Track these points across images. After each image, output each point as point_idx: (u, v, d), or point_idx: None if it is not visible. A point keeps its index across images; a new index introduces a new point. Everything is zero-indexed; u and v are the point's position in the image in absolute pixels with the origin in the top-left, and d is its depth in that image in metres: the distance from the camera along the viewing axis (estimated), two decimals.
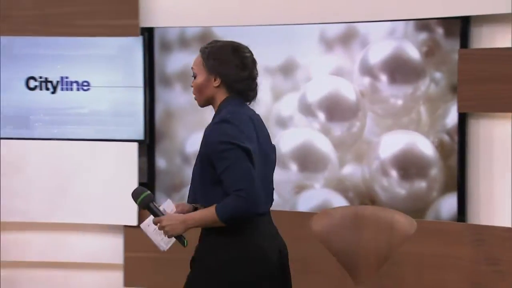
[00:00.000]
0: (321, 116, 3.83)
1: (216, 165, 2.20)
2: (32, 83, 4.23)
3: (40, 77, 4.23)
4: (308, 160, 3.89)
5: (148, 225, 2.34)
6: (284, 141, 3.91)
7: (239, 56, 2.33)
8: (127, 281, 4.13)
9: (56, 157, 4.15)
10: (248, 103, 2.36)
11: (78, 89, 4.20)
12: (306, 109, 3.86)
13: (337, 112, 3.81)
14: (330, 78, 3.83)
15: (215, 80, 2.31)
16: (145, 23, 4.03)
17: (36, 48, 4.23)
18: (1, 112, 4.15)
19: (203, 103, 2.37)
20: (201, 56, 2.34)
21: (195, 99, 2.38)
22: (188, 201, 2.36)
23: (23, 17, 4.08)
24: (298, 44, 3.89)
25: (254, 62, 2.35)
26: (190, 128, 4.06)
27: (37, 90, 4.23)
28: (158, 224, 2.27)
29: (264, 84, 3.91)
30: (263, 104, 3.91)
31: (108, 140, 4.14)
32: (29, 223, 4.17)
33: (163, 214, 2.30)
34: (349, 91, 3.78)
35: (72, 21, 4.04)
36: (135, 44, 4.09)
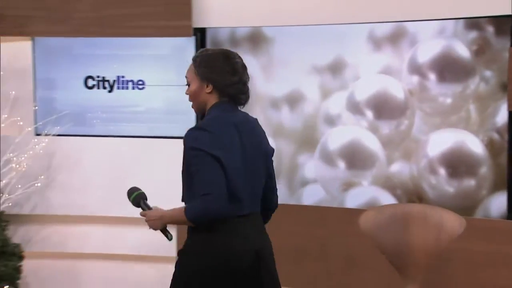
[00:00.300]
0: (369, 114, 3.80)
1: (188, 169, 2.29)
2: (90, 82, 4.33)
3: (98, 76, 4.32)
4: (356, 157, 3.86)
5: None
6: (332, 139, 3.90)
7: (229, 63, 2.36)
8: None
9: (113, 154, 4.23)
10: (241, 107, 2.41)
11: (133, 88, 4.28)
12: (354, 108, 3.83)
13: (385, 110, 3.77)
14: (379, 77, 3.79)
15: (207, 86, 2.36)
16: (198, 23, 4.07)
17: (94, 48, 4.34)
18: (61, 110, 4.24)
19: (198, 109, 2.43)
20: (193, 64, 2.40)
21: (192, 106, 2.43)
22: (182, 200, 2.42)
23: (81, 19, 4.16)
24: (347, 43, 3.87)
25: (244, 67, 2.39)
26: None
27: (95, 89, 4.32)
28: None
29: (313, 83, 3.92)
30: (311, 102, 3.93)
31: (161, 137, 4.19)
32: (87, 217, 4.26)
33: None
34: (397, 89, 3.73)
35: (128, 23, 4.10)
36: (188, 44, 4.13)
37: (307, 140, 3.97)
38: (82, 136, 4.28)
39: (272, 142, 3.98)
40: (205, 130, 2.29)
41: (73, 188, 4.23)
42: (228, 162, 2.26)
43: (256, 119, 2.48)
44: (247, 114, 2.45)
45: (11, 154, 4.00)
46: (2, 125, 3.98)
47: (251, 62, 4.06)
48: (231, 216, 2.30)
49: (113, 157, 4.21)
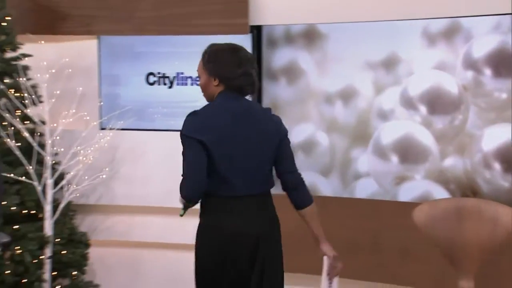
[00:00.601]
0: (423, 109, 3.76)
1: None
2: (151, 79, 4.42)
3: (159, 73, 4.41)
4: (409, 152, 3.83)
5: None
6: (385, 133, 3.88)
7: (235, 56, 2.51)
8: None
9: (172, 147, 4.26)
10: (249, 96, 2.56)
11: (192, 84, 4.34)
12: (408, 103, 3.80)
13: (439, 105, 3.73)
14: (432, 72, 3.74)
15: (214, 80, 2.51)
16: (254, 21, 4.10)
17: (155, 46, 4.42)
18: (124, 106, 4.34)
19: (208, 100, 2.58)
20: (202, 60, 2.57)
21: (203, 95, 2.60)
22: None
23: (143, 18, 4.25)
24: (401, 39, 3.84)
25: (249, 59, 2.53)
26: (294, 119, 4.10)
27: (156, 85, 4.41)
28: None
29: (366, 78, 3.90)
30: (364, 97, 3.91)
31: None
32: (148, 207, 4.35)
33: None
34: (451, 85, 3.68)
35: (187, 21, 4.17)
36: (244, 41, 4.14)
37: (360, 134, 3.96)
38: (143, 130, 4.38)
39: (325, 137, 4.05)
40: (196, 115, 2.48)
41: (135, 180, 4.33)
42: (214, 146, 2.42)
43: (267, 108, 2.63)
44: (254, 103, 2.64)
45: (78, 148, 4.11)
46: (70, 119, 4.09)
47: (306, 58, 4.09)
48: (222, 197, 2.46)
49: (173, 150, 4.22)
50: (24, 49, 4.10)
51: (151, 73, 4.42)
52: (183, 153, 2.48)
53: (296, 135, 4.02)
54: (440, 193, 3.72)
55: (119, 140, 4.30)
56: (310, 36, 4.08)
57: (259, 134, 2.50)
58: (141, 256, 4.47)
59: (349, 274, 3.74)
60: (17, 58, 4.05)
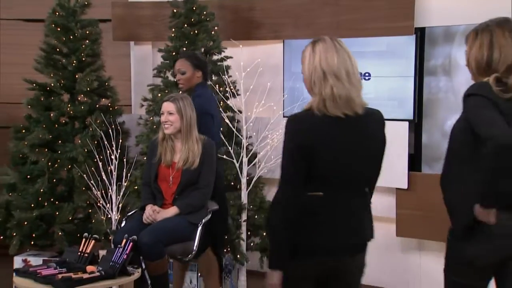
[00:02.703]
0: None
1: None
2: None
3: None
4: None
5: None
6: None
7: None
8: (398, 232, 4.23)
9: None
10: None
11: (361, 79, 4.38)
12: None
13: None
14: None
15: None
16: (418, 23, 4.07)
17: None
18: (304, 98, 4.47)
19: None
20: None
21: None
22: None
23: (322, 24, 4.41)
24: None
25: None
26: (449, 109, 4.03)
27: None
28: None
29: None
30: None
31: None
32: None
33: None
34: None
35: (360, 25, 4.25)
36: (408, 41, 4.15)
37: None
38: None
39: None
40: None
41: None
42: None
43: None
44: None
45: (266, 132, 4.29)
46: (261, 109, 4.31)
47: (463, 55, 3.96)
48: None
49: None
50: (227, 52, 4.44)
51: None
52: None
53: (451, 123, 3.89)
54: None
55: None
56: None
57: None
58: None
59: None
60: (221, 60, 4.39)
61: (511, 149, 2.00)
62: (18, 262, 4.14)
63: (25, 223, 4.11)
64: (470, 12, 3.88)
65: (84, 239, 2.98)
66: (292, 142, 2.04)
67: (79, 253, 2.95)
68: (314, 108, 2.09)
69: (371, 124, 2.20)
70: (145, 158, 4.01)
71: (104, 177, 3.95)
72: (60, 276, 2.70)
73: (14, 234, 4.12)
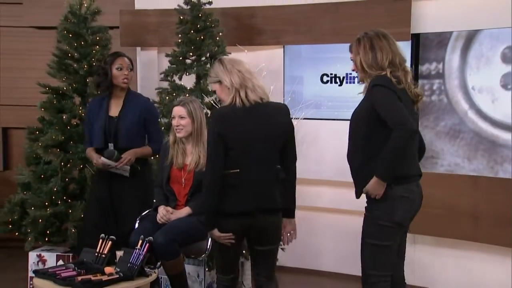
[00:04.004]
0: None
1: None
2: (325, 78, 4.43)
3: (331, 74, 4.40)
4: None
5: None
6: None
7: None
8: None
9: (340, 133, 4.24)
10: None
11: (358, 83, 4.22)
12: None
13: None
14: None
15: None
16: (414, 30, 3.96)
17: (328, 52, 4.43)
18: (305, 101, 4.40)
19: None
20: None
21: None
22: None
23: (320, 30, 4.31)
24: None
25: None
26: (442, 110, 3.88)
27: (328, 84, 4.41)
28: None
29: None
30: None
31: None
32: (321, 180, 4.38)
33: None
34: None
35: (357, 31, 4.00)
36: (405, 46, 3.99)
37: None
38: (318, 120, 4.40)
39: None
40: None
41: (311, 158, 4.36)
42: None
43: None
44: None
45: None
46: None
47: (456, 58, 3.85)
48: None
49: (342, 135, 4.23)
50: (231, 56, 4.27)
51: (324, 74, 4.42)
52: None
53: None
54: None
55: (299, 127, 4.34)
56: (463, 39, 3.83)
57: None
58: (313, 218, 4.51)
59: None
60: None
61: (416, 134, 2.44)
62: (32, 257, 4.01)
63: (40, 220, 3.98)
64: (461, 20, 3.80)
65: (101, 240, 2.81)
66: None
67: (96, 254, 2.77)
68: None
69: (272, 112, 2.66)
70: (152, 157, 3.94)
71: None
72: (79, 278, 2.53)
73: (29, 230, 4.02)
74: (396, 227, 2.47)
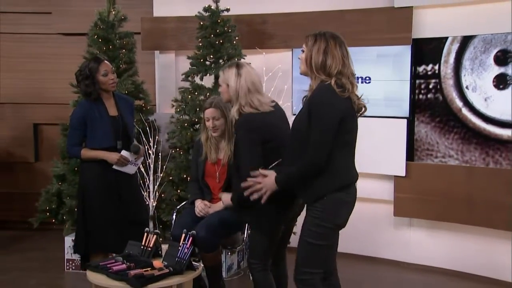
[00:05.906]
0: None
1: None
2: None
3: None
4: None
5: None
6: None
7: None
8: (396, 212, 4.01)
9: None
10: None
11: (362, 82, 4.10)
12: None
13: None
14: None
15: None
16: (415, 35, 3.81)
17: None
18: None
19: None
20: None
21: None
22: None
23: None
24: None
25: None
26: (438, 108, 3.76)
27: None
28: None
29: None
30: None
31: (382, 117, 3.98)
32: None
33: None
34: None
35: (362, 36, 3.99)
36: (405, 50, 3.85)
37: None
38: None
39: None
40: None
41: None
42: None
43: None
44: None
45: None
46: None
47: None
48: None
49: None
50: (246, 59, 4.09)
51: None
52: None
53: None
54: None
55: None
56: (458, 43, 3.68)
57: None
58: None
59: None
60: None
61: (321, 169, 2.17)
62: (68, 241, 3.88)
63: (76, 209, 3.77)
64: (457, 26, 3.66)
65: (145, 234, 2.60)
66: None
67: (142, 247, 2.56)
68: None
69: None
70: (173, 151, 3.94)
71: (142, 169, 3.68)
72: (132, 273, 2.32)
73: (66, 218, 3.97)
74: (336, 229, 2.26)
